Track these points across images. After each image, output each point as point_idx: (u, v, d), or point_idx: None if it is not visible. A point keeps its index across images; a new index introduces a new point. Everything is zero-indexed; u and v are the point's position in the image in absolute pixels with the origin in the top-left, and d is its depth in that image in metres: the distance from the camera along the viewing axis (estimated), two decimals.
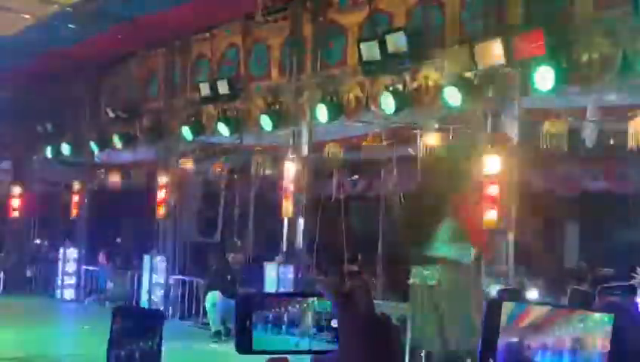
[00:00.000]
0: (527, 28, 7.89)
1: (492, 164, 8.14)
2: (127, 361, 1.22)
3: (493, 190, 8.12)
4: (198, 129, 12.35)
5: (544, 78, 7.54)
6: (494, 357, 1.02)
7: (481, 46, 8.00)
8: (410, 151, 10.17)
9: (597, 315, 0.98)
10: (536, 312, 1.01)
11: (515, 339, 1.05)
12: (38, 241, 17.91)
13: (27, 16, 11.50)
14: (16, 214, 17.44)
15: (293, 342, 1.30)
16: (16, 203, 17.35)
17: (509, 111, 8.28)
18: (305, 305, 1.32)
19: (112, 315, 1.16)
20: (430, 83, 8.98)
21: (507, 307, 1.04)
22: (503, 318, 1.03)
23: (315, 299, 1.32)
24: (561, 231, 12.32)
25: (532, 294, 8.25)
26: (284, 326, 1.32)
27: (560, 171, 10.64)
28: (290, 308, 1.34)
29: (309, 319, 1.30)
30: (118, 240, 16.84)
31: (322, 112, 10.01)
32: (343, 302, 1.23)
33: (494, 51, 7.86)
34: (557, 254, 11.94)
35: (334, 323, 1.29)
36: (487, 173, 8.15)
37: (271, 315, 1.32)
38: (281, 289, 9.89)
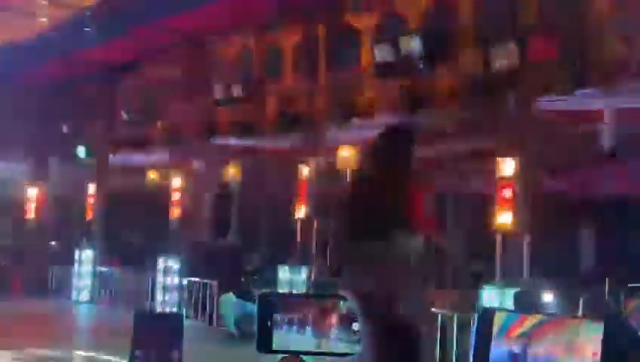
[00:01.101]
0: (541, 30, 7.87)
1: (506, 166, 8.12)
2: None
3: (507, 193, 8.10)
4: (212, 131, 12.41)
5: (559, 79, 7.52)
6: None
7: (495, 48, 7.99)
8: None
9: (587, 323, 0.99)
10: (529, 321, 1.01)
11: (507, 348, 1.05)
12: (54, 243, 18.03)
13: (45, 20, 11.62)
14: (32, 216, 17.59)
15: (313, 342, 1.31)
16: (32, 204, 17.51)
17: (523, 113, 8.26)
18: (326, 307, 1.33)
19: (134, 318, 1.18)
20: (444, 85, 8.98)
21: (500, 317, 1.05)
22: (496, 328, 1.04)
23: (337, 300, 1.33)
24: (577, 234, 12.23)
25: (547, 297, 8.20)
26: (304, 327, 1.33)
27: (575, 174, 10.57)
28: (311, 309, 1.35)
29: (331, 320, 1.32)
30: (129, 240, 16.93)
31: (335, 115, 10.02)
32: (365, 305, 1.24)
33: (509, 53, 7.84)
34: (572, 257, 11.86)
35: (356, 326, 1.30)
36: (502, 176, 8.13)
37: (292, 316, 1.33)
38: (300, 291, 9.91)
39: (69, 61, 13.80)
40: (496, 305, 7.96)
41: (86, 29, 11.58)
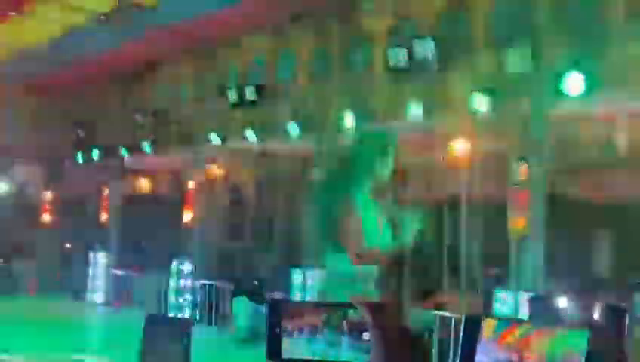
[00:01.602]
0: (556, 33, 7.82)
1: (520, 170, 8.08)
2: None
3: (521, 197, 8.05)
4: (226, 135, 12.45)
5: (574, 83, 7.47)
6: None
7: (509, 51, 7.95)
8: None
9: (573, 332, 0.98)
10: (519, 330, 1.01)
11: (495, 355, 1.05)
12: (68, 245, 18.15)
13: (60, 24, 11.70)
14: (47, 218, 17.73)
15: (323, 351, 1.30)
16: (47, 207, 17.64)
17: (538, 117, 8.20)
18: (337, 315, 1.32)
19: (144, 322, 1.17)
20: (458, 89, 8.95)
21: (490, 323, 1.05)
22: (487, 334, 1.04)
23: (348, 309, 1.33)
24: (592, 239, 12.14)
25: (562, 302, 8.14)
26: (315, 334, 1.32)
27: (591, 178, 10.49)
28: (321, 317, 1.34)
29: (341, 329, 1.31)
30: (143, 243, 17.00)
31: (349, 118, 10.01)
32: (376, 315, 1.23)
33: (523, 56, 7.80)
34: (587, 262, 11.77)
35: (366, 335, 1.29)
36: (516, 180, 8.09)
37: (302, 323, 1.32)
38: (310, 298, 9.91)
39: (83, 65, 13.91)
40: (510, 309, 7.92)
41: (100, 33, 11.66)
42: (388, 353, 1.21)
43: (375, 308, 1.23)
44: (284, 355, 1.31)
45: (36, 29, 11.90)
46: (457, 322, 8.65)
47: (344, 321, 1.33)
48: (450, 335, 8.53)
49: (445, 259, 10.39)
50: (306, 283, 10.76)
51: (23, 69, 14.10)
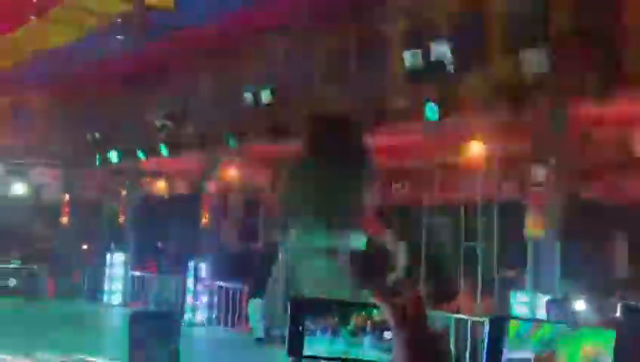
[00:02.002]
0: (574, 35, 7.79)
1: (539, 172, 8.05)
2: None
3: (540, 199, 8.01)
4: (242, 137, 12.49)
5: (591, 85, 7.43)
6: None
7: (527, 54, 7.92)
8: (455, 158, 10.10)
9: (599, 331, 0.99)
10: (542, 329, 1.02)
11: (520, 356, 1.06)
12: (86, 246, 18.30)
13: (80, 28, 11.82)
14: (65, 220, 17.89)
15: (345, 349, 1.32)
16: (65, 209, 17.81)
17: (556, 119, 8.17)
18: (358, 313, 1.34)
19: (129, 320, 1.19)
20: (475, 91, 8.92)
21: (515, 324, 1.06)
22: (509, 335, 1.05)
23: (370, 307, 1.34)
24: (610, 241, 12.05)
25: (579, 305, 8.10)
26: (337, 334, 1.34)
27: (608, 180, 10.43)
28: (343, 315, 1.36)
29: (364, 327, 1.32)
30: (159, 245, 17.10)
31: (366, 120, 10.02)
32: (398, 314, 1.23)
33: (541, 59, 7.77)
34: (605, 264, 11.69)
35: (388, 335, 1.30)
36: (535, 182, 8.06)
37: (323, 321, 1.34)
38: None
39: (101, 68, 14.03)
40: (527, 312, 7.88)
41: (119, 36, 11.76)
42: (410, 352, 1.22)
43: (396, 306, 1.24)
44: (305, 353, 1.32)
45: (56, 33, 12.03)
46: (474, 324, 8.63)
47: (367, 320, 1.34)
48: (467, 337, 8.52)
49: (462, 261, 10.37)
50: None
51: (43, 71, 14.25)
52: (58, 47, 12.64)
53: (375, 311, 1.35)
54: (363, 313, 1.36)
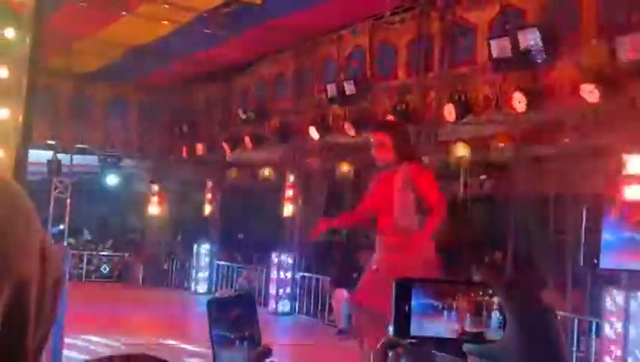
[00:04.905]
0: None
1: (633, 164, 7.73)
2: (230, 346, 1.27)
3: (634, 192, 7.70)
4: (324, 129, 12.58)
5: None
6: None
7: (622, 39, 7.61)
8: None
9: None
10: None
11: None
12: (173, 236, 18.89)
13: (166, 23, 12.16)
14: (154, 211, 18.51)
15: (452, 328, 1.32)
16: (154, 201, 18.43)
17: None
18: (465, 293, 1.33)
19: (206, 307, 1.22)
20: (565, 80, 8.65)
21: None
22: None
23: (477, 287, 1.33)
24: None
25: None
26: (443, 313, 1.34)
27: None
28: (449, 295, 1.36)
29: (471, 307, 1.32)
30: (240, 236, 17.44)
31: (450, 111, 9.89)
32: (509, 291, 1.24)
33: (637, 44, 7.45)
34: None
35: (495, 313, 1.29)
36: (628, 174, 7.75)
37: (429, 301, 1.34)
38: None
39: (188, 63, 14.40)
40: (620, 307, 7.60)
41: (205, 31, 12.02)
42: (522, 327, 1.22)
43: (506, 284, 1.24)
44: (412, 332, 1.33)
45: (145, 29, 12.41)
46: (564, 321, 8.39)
47: (471, 299, 1.34)
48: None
49: (552, 253, 10.10)
50: None
51: (132, 66, 14.74)
52: (148, 42, 13.03)
53: (480, 289, 1.34)
54: (469, 291, 1.36)
